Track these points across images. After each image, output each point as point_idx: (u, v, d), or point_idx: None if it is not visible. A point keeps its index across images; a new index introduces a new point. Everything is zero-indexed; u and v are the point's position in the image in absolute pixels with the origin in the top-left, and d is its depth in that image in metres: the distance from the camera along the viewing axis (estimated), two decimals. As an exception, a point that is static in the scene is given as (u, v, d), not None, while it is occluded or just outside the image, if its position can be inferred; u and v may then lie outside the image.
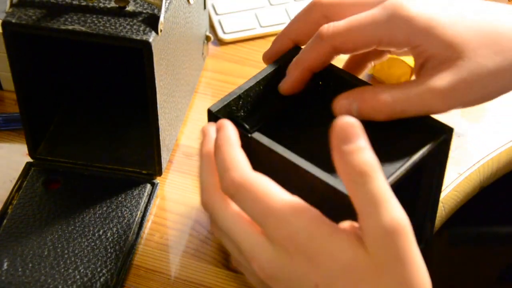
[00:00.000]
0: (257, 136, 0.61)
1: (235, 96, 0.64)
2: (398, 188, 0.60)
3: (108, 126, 0.80)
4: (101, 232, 0.71)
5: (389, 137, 0.64)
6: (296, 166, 0.59)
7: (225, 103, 0.63)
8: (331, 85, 0.67)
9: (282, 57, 0.67)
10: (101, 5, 0.69)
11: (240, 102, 0.65)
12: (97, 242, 0.70)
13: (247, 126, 0.63)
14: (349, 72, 0.67)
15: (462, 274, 1.18)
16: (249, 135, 0.61)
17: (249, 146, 0.62)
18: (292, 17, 0.93)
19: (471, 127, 0.83)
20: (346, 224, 0.53)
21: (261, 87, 0.66)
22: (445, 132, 0.62)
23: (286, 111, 0.68)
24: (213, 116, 0.63)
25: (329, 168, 0.63)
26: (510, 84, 0.61)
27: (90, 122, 0.80)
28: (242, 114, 0.65)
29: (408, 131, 0.64)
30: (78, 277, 0.67)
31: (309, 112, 0.68)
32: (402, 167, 0.60)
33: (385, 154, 0.63)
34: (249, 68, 0.88)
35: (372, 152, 0.50)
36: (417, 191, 0.66)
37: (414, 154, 0.61)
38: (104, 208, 0.73)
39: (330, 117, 0.68)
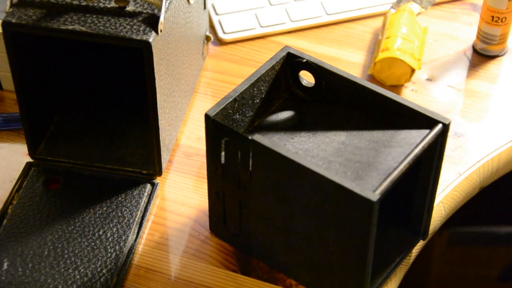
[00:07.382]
0: (257, 138, 0.61)
1: (231, 100, 0.64)
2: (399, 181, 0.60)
3: (108, 126, 0.80)
4: (101, 232, 0.71)
5: (390, 132, 0.64)
6: (299, 165, 0.59)
7: (222, 107, 0.64)
8: (324, 83, 0.67)
9: (274, 59, 0.68)
10: (101, 5, 0.69)
11: (236, 105, 0.65)
12: (97, 242, 0.70)
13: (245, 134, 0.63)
14: (341, 70, 0.67)
15: (462, 274, 1.18)
16: (249, 137, 0.61)
17: (248, 148, 0.62)
18: (292, 17, 0.94)
19: (471, 127, 0.83)
20: None
21: (255, 89, 0.66)
22: (443, 124, 0.63)
23: (280, 111, 0.68)
24: (210, 121, 0.63)
25: (330, 166, 0.63)
26: None
27: (90, 122, 0.80)
28: (238, 116, 0.66)
29: (407, 124, 0.64)
30: (78, 277, 0.67)
31: (303, 111, 0.69)
32: (404, 161, 0.60)
33: (387, 149, 0.63)
34: (249, 68, 0.88)
35: None
36: (415, 182, 0.66)
37: (415, 148, 0.61)
38: (104, 208, 0.73)
39: (325, 115, 0.68)
